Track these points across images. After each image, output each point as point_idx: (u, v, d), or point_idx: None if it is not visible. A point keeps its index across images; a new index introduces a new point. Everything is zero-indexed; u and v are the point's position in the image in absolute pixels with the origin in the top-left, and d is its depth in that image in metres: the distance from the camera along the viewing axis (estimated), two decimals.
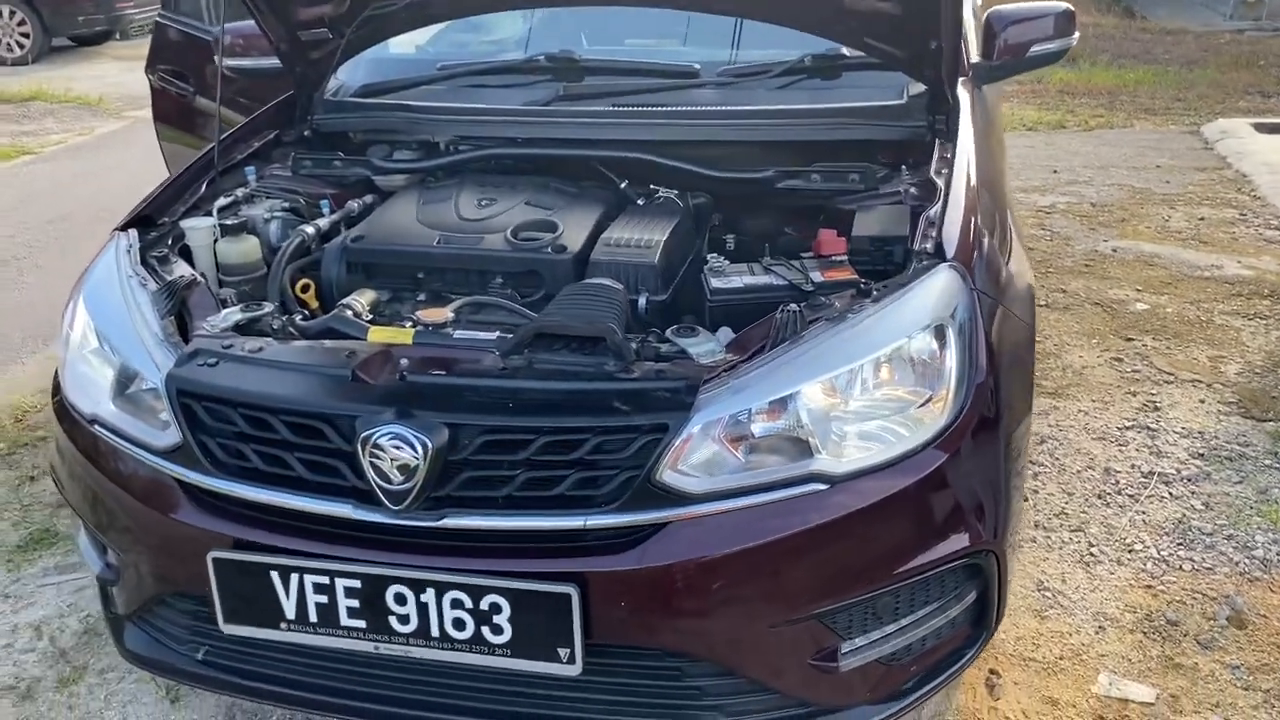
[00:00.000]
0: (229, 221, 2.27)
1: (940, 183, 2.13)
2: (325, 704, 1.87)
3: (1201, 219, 5.30)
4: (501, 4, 2.76)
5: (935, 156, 2.27)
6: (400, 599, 1.70)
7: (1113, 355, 3.82)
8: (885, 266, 2.07)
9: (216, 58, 2.83)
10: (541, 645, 1.68)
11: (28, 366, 4.01)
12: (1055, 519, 2.88)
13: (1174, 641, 2.43)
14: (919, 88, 2.50)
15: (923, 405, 1.75)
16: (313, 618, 1.75)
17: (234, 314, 1.99)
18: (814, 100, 2.55)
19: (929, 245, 1.94)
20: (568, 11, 2.94)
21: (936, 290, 1.82)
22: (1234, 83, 8.62)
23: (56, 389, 2.12)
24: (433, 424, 1.65)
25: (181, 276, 2.12)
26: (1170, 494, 2.98)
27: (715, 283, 2.05)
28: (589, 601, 1.65)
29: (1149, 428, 3.32)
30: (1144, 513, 2.90)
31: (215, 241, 2.27)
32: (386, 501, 1.68)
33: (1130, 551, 2.74)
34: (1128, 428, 3.32)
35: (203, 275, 2.18)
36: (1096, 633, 2.46)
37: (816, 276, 2.01)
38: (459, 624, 1.69)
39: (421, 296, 2.17)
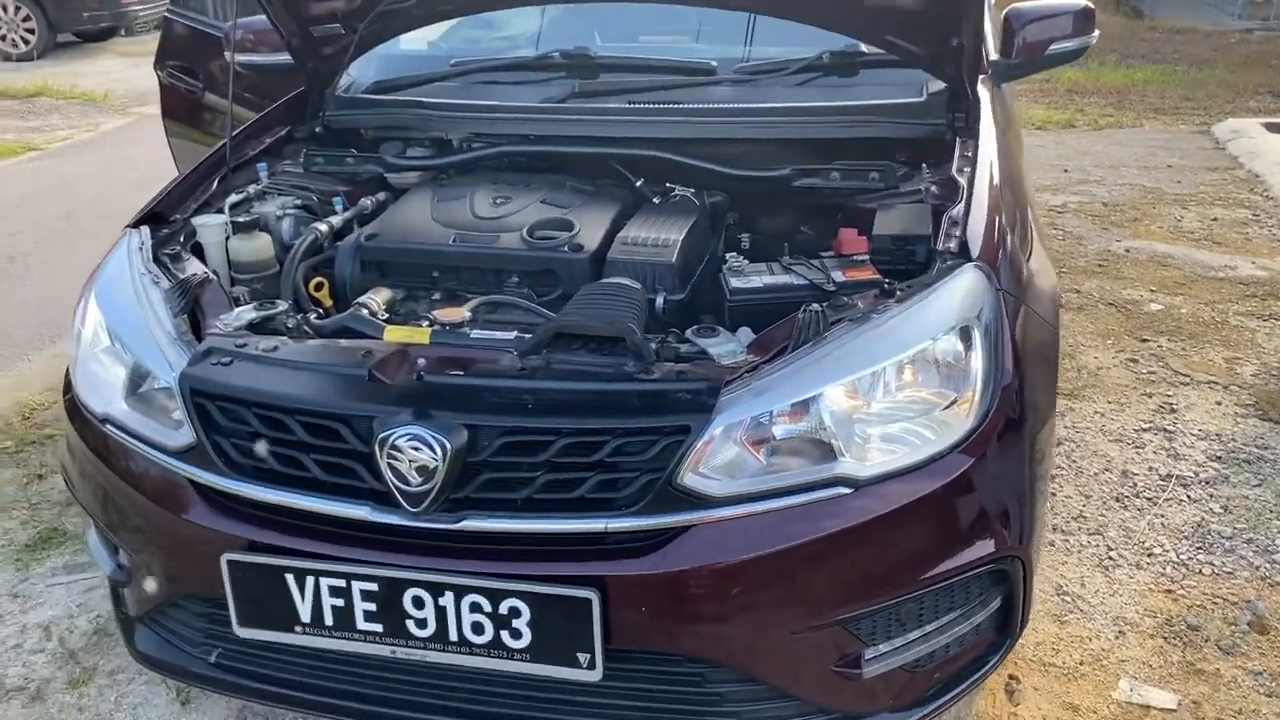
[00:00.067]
0: (241, 219, 2.24)
1: (963, 181, 2.10)
2: (340, 708, 1.84)
3: (1214, 219, 5.26)
4: (515, 0, 2.72)
5: (956, 155, 2.24)
6: (418, 602, 1.67)
7: (1128, 356, 3.79)
8: (907, 266, 2.04)
9: (227, 53, 2.80)
10: (561, 650, 1.65)
11: (34, 363, 3.99)
12: (1073, 522, 2.85)
13: (1195, 647, 2.40)
14: (938, 85, 2.47)
15: (948, 407, 1.72)
16: (328, 621, 1.72)
17: (247, 312, 1.97)
18: (832, 98, 2.52)
19: (953, 245, 1.91)
20: (581, 8, 2.92)
21: (962, 291, 1.79)
22: (1244, 82, 8.58)
23: (68, 387, 2.10)
24: (452, 425, 1.63)
25: (194, 274, 2.10)
26: (1189, 497, 2.95)
27: (735, 282, 2.03)
28: (609, 606, 1.63)
29: (1166, 430, 3.29)
30: (1162, 516, 2.87)
31: (227, 239, 2.25)
32: (404, 503, 1.65)
33: (1149, 555, 2.71)
34: (1144, 430, 3.29)
35: (214, 273, 2.16)
36: (1116, 637, 2.43)
37: (838, 276, 1.98)
38: (478, 628, 1.67)
39: (436, 295, 2.15)
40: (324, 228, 2.27)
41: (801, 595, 1.66)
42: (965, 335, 1.75)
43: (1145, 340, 3.91)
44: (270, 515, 1.76)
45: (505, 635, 1.66)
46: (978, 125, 2.30)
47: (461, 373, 1.73)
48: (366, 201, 2.45)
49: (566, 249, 2.11)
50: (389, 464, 1.64)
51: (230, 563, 1.74)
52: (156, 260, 2.13)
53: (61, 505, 3.00)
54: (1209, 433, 3.26)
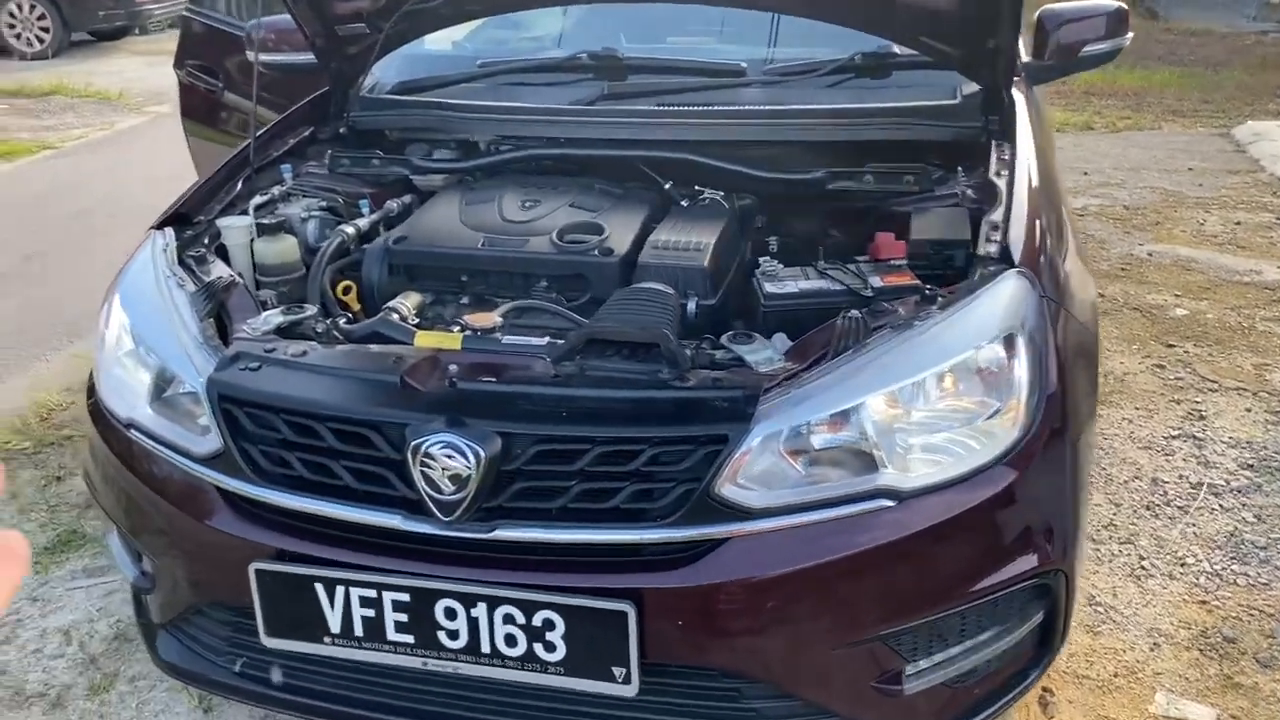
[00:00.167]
0: (266, 220, 2.21)
1: (1001, 185, 2.06)
2: None
3: (1238, 223, 5.21)
4: (542, 0, 2.69)
5: (994, 158, 2.20)
6: (450, 613, 1.64)
7: (1154, 362, 3.74)
8: (944, 271, 2.00)
9: (249, 53, 2.77)
10: (596, 664, 1.62)
11: (53, 364, 3.97)
12: (1104, 530, 2.80)
13: (1232, 660, 2.36)
14: (973, 87, 2.43)
15: (990, 417, 1.68)
16: (358, 632, 1.69)
17: (275, 316, 1.93)
18: (864, 99, 2.48)
19: (994, 250, 1.87)
20: (608, 8, 2.88)
21: (1005, 298, 1.76)
22: (1262, 85, 8.52)
23: (91, 391, 2.07)
24: (486, 432, 1.60)
25: (220, 277, 2.07)
26: (1220, 506, 2.91)
27: (769, 287, 1.99)
28: (645, 619, 1.59)
29: (1195, 437, 3.24)
30: (1194, 525, 2.83)
31: (252, 241, 2.22)
32: (437, 512, 1.62)
33: (1182, 565, 2.67)
34: (1174, 437, 3.25)
35: (239, 275, 2.13)
36: (1151, 649, 2.39)
37: (876, 281, 1.94)
38: (511, 640, 1.63)
39: (464, 299, 2.11)
40: (350, 230, 2.24)
41: (842, 610, 1.63)
42: (1009, 343, 1.71)
43: (1171, 346, 3.86)
44: (299, 523, 1.73)
45: (539, 648, 1.63)
46: (1013, 128, 2.26)
47: (494, 379, 1.70)
48: (393, 204, 2.41)
49: (596, 253, 2.07)
50: (422, 472, 1.61)
51: (259, 572, 1.71)
52: (181, 262, 2.10)
53: (80, 508, 2.98)
54: (1239, 440, 3.22)
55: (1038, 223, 1.95)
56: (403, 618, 1.66)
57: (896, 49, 2.54)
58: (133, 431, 1.90)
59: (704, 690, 1.69)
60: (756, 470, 1.61)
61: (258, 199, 2.32)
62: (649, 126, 2.48)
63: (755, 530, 1.59)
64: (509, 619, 1.62)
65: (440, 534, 1.64)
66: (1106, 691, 2.27)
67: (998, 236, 1.89)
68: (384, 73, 2.83)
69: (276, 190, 2.39)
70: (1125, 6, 2.79)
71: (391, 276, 2.14)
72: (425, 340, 1.83)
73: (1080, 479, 1.83)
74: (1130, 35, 2.84)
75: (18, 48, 11.09)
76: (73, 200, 6.09)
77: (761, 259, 2.11)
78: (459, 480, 1.59)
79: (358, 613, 1.68)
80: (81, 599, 2.62)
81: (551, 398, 1.66)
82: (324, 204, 2.38)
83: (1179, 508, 2.90)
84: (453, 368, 1.73)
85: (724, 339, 1.82)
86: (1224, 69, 9.20)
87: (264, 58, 2.95)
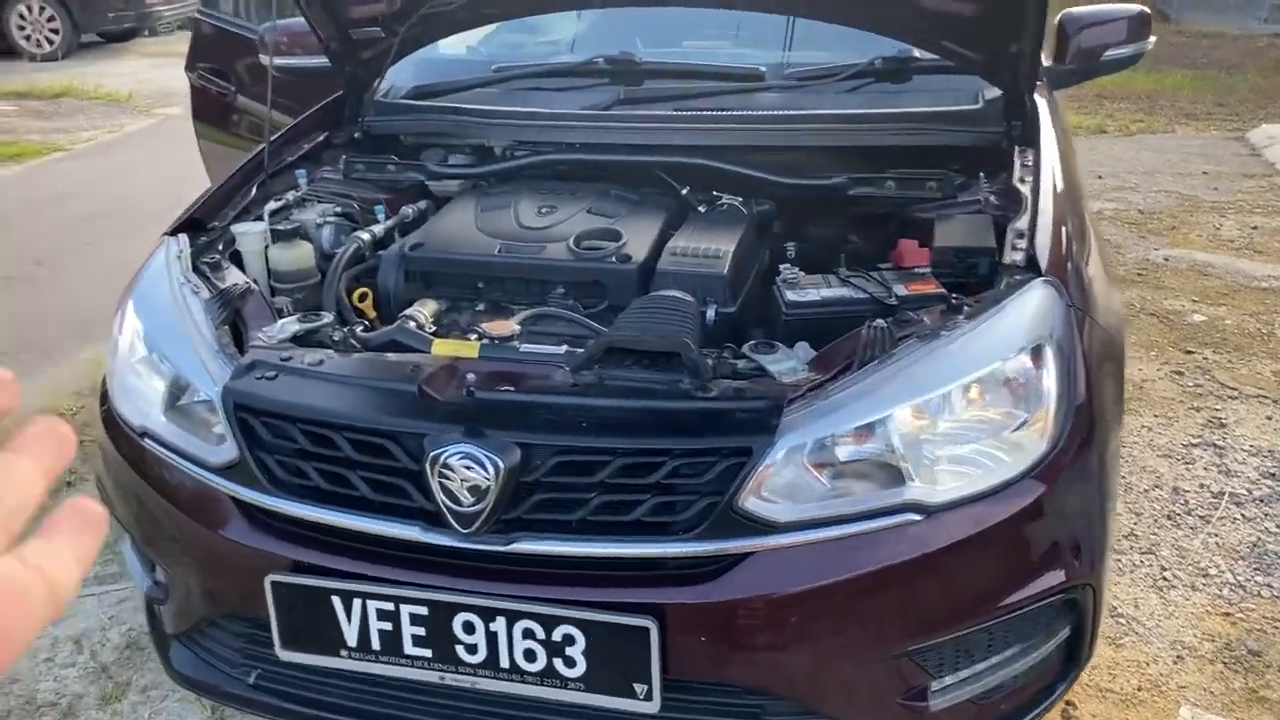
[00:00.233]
0: (281, 226, 2.18)
1: (1025, 192, 2.03)
2: None
3: (1255, 228, 5.17)
4: (561, 4, 2.66)
5: (1016, 164, 2.17)
6: (468, 627, 1.62)
7: (1173, 369, 3.70)
8: (968, 279, 1.97)
9: (263, 56, 2.75)
10: (617, 680, 1.59)
11: (64, 368, 3.95)
12: (1125, 540, 2.77)
13: (1257, 673, 2.32)
14: (994, 92, 2.40)
15: (1018, 429, 1.65)
16: (375, 645, 1.67)
17: (291, 324, 1.91)
18: (884, 104, 2.45)
19: (1020, 258, 1.84)
20: (624, 12, 2.85)
21: (1033, 307, 1.73)
22: (1276, 88, 8.46)
23: (104, 398, 2.05)
24: (504, 443, 1.57)
25: (235, 284, 2.04)
26: (1243, 515, 2.87)
27: (791, 295, 1.96)
28: (667, 634, 1.56)
29: (1216, 445, 3.20)
30: (1216, 535, 2.79)
31: (266, 247, 2.20)
32: (455, 524, 1.60)
33: (1205, 576, 2.63)
34: (1194, 445, 3.21)
35: (254, 282, 2.11)
36: (1175, 662, 2.35)
37: (899, 290, 1.91)
38: (530, 655, 1.61)
39: (480, 307, 2.09)
40: (366, 236, 2.21)
41: (867, 626, 1.60)
42: (1037, 354, 1.68)
43: (1190, 352, 3.82)
44: (316, 535, 1.71)
45: (559, 663, 1.60)
46: (1036, 134, 2.23)
47: (513, 389, 1.67)
48: (408, 210, 2.39)
49: (614, 259, 2.05)
50: (440, 483, 1.58)
51: (274, 584, 1.68)
52: (195, 269, 2.08)
53: None
54: (1261, 449, 3.18)
55: (1064, 230, 1.92)
56: (420, 631, 1.64)
57: (917, 53, 2.51)
58: (146, 440, 1.88)
59: (726, 707, 1.66)
60: (781, 483, 1.58)
61: (272, 205, 2.30)
62: (666, 131, 2.45)
63: (780, 545, 1.57)
64: (528, 633, 1.60)
65: (459, 546, 1.61)
66: (1130, 705, 2.24)
67: (1024, 244, 1.87)
68: (399, 77, 2.80)
69: (291, 196, 2.37)
70: (1147, 10, 2.75)
71: (408, 283, 2.12)
72: (442, 349, 1.81)
73: (1108, 491, 1.80)
74: (1153, 39, 2.81)
75: (27, 49, 11.10)
76: (83, 203, 6.08)
77: (782, 266, 2.08)
78: (478, 491, 1.57)
79: (375, 626, 1.65)
80: (93, 607, 2.60)
81: (571, 408, 1.63)
82: (339, 210, 2.36)
83: (1200, 517, 2.87)
84: (470, 377, 1.70)
85: (746, 348, 1.79)
86: (1237, 72, 9.14)
87: (277, 61, 2.93)
